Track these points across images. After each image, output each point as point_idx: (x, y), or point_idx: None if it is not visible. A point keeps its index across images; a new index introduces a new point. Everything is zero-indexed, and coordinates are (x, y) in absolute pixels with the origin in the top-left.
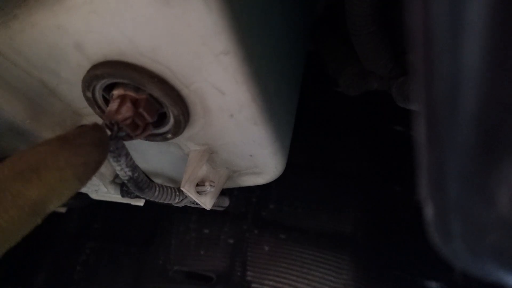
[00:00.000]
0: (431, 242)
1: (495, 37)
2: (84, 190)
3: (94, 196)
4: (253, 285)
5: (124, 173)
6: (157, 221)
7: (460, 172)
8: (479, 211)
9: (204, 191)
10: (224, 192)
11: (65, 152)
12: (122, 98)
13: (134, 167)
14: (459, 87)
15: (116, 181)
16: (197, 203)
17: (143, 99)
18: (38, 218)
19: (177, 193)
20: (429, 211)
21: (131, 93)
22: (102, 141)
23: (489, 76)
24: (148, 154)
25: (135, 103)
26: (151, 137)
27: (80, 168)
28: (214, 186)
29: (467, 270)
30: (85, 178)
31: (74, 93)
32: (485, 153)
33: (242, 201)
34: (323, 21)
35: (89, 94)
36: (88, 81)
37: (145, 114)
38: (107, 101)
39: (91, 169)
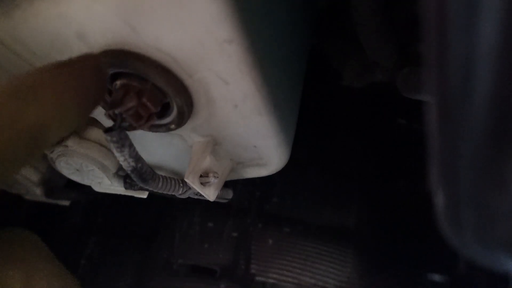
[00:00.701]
0: (440, 233)
1: None
2: (87, 182)
3: (97, 188)
4: (257, 278)
5: (128, 163)
6: (160, 215)
7: (473, 159)
8: (492, 200)
9: (208, 182)
10: (227, 184)
11: (64, 73)
12: (126, 88)
13: (137, 158)
14: (474, 69)
15: (120, 173)
16: (200, 195)
17: (146, 89)
18: (37, 146)
19: (181, 184)
20: (439, 200)
21: (135, 83)
22: (101, 69)
23: (506, 57)
24: (151, 146)
25: (138, 93)
26: (155, 128)
27: (80, 94)
28: (218, 177)
29: (477, 261)
30: (84, 108)
31: None
32: (501, 139)
33: (245, 195)
34: (326, 13)
35: None
36: None
37: (149, 104)
38: (110, 91)
39: (91, 98)
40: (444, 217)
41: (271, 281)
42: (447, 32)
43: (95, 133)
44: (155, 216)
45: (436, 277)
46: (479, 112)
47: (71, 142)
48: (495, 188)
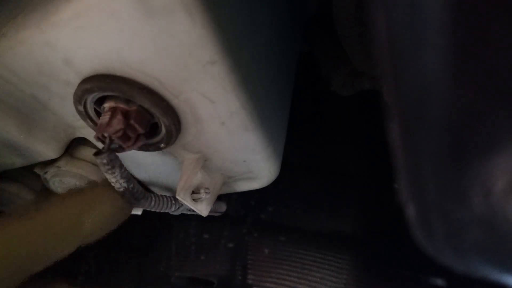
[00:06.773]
0: (415, 242)
1: (454, 51)
2: None
3: None
4: None
5: (120, 184)
6: (157, 228)
7: (435, 175)
8: (456, 211)
9: (199, 198)
10: (221, 197)
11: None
12: (113, 111)
13: (128, 178)
14: (425, 96)
15: None
16: (193, 210)
17: (133, 111)
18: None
19: (173, 202)
20: (410, 212)
21: (122, 105)
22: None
23: (452, 85)
24: (143, 164)
25: (126, 115)
26: (144, 147)
27: None
28: (209, 192)
29: (452, 267)
30: None
31: (66, 107)
32: (456, 156)
33: (241, 204)
34: (315, 21)
35: (81, 108)
36: (79, 95)
37: (136, 126)
38: (99, 114)
39: None
40: (416, 228)
41: None
42: (398, 66)
43: (87, 152)
44: (151, 229)
45: (435, 281)
46: (434, 133)
47: (63, 163)
48: (456, 199)
